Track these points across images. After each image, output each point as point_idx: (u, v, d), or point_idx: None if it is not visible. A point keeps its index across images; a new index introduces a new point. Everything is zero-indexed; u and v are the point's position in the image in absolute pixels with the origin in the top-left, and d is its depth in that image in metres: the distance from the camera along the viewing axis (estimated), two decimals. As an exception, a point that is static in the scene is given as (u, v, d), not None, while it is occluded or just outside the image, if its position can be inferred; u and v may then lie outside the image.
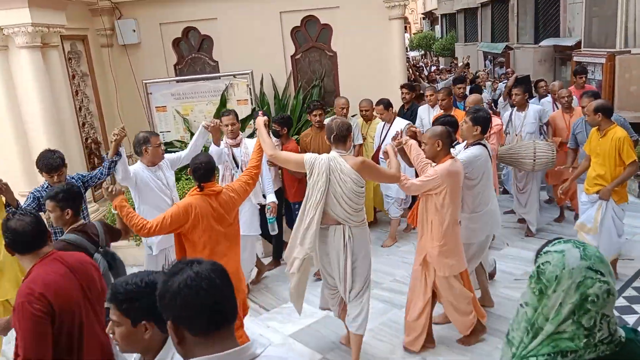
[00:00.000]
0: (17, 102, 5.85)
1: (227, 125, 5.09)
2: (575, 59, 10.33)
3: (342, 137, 3.68)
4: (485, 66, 16.75)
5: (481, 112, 4.25)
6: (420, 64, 21.22)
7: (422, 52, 27.78)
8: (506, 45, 15.00)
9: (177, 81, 7.42)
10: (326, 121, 4.59)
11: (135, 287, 1.83)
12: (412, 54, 26.45)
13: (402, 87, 7.11)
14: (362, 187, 3.67)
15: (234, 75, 7.18)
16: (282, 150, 5.26)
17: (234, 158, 5.14)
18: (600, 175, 4.79)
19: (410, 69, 10.75)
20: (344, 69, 7.86)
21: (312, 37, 7.92)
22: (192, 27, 7.94)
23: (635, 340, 1.56)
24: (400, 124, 5.99)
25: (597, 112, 4.71)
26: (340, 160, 3.61)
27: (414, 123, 6.20)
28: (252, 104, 7.17)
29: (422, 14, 35.21)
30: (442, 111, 6.03)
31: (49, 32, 5.92)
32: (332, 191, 3.61)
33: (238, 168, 5.11)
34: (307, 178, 3.69)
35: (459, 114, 5.55)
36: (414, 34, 33.27)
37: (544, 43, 12.49)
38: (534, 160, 5.70)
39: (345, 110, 6.23)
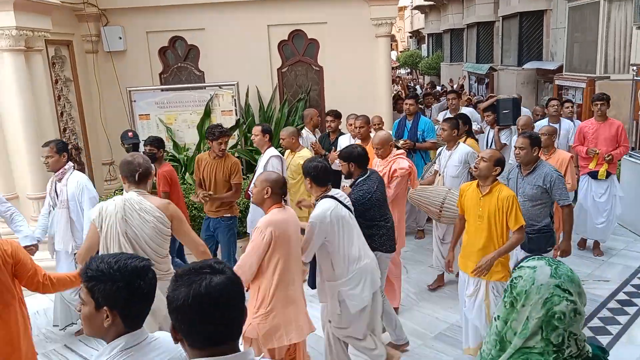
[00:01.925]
0: (-3, 105, 5.77)
1: (42, 157, 4.58)
2: (556, 82, 10.54)
3: (145, 175, 3.33)
4: (470, 87, 16.99)
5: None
6: (411, 83, 21.35)
7: (408, 70, 28.11)
8: (490, 66, 15.24)
9: (162, 90, 7.41)
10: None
11: (106, 268, 1.71)
12: (402, 72, 26.74)
13: (327, 114, 6.56)
14: (169, 228, 3.29)
15: (220, 86, 7.18)
16: (156, 173, 4.95)
17: (56, 193, 4.52)
18: (487, 246, 3.76)
19: (402, 90, 10.80)
20: (329, 84, 7.91)
21: (298, 51, 7.97)
22: (179, 37, 7.94)
23: (601, 357, 1.60)
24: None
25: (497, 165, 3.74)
26: (138, 199, 3.25)
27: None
28: (236, 115, 7.17)
29: (409, 32, 35.66)
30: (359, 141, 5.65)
31: (33, 36, 5.87)
32: (133, 237, 3.21)
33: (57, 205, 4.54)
34: (101, 235, 3.22)
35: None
36: (400, 52, 33.67)
37: (527, 66, 12.71)
38: (440, 211, 4.85)
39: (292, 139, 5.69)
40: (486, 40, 16.80)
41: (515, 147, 4.29)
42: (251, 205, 4.86)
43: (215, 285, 1.43)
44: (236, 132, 6.91)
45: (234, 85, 7.11)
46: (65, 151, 4.55)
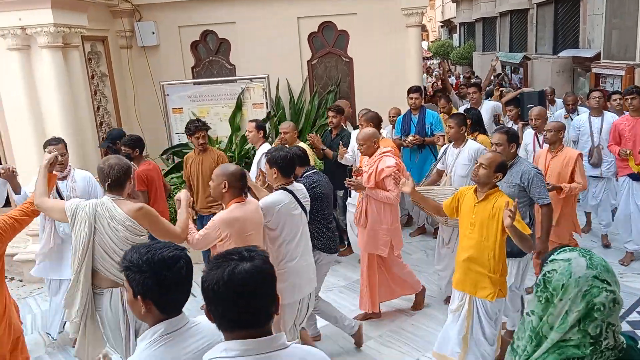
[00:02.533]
0: (37, 100, 5.94)
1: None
2: (594, 70, 10.24)
3: (117, 182, 3.20)
4: (505, 76, 16.64)
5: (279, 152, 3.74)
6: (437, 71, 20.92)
7: (439, 60, 27.70)
8: (524, 55, 14.90)
9: (194, 83, 7.51)
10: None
11: (136, 259, 1.77)
12: (434, 62, 26.24)
13: (328, 109, 6.28)
14: (141, 236, 3.21)
15: (251, 79, 7.24)
16: (135, 172, 4.81)
17: (58, 192, 4.39)
18: (474, 258, 3.43)
19: (438, 82, 10.41)
20: (359, 75, 7.88)
21: (328, 43, 7.96)
22: (211, 31, 8.02)
23: (635, 348, 1.58)
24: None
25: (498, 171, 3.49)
26: (111, 205, 3.16)
27: (345, 147, 5.70)
28: (267, 107, 7.22)
29: (440, 22, 35.14)
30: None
31: (70, 33, 6.02)
32: (100, 242, 3.15)
33: None
34: (70, 228, 3.23)
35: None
36: (431, 42, 33.21)
37: (562, 54, 12.39)
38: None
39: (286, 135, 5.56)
40: (520, 29, 16.43)
41: (491, 143, 4.11)
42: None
43: (239, 272, 1.48)
44: (267, 125, 6.95)
45: (264, 78, 7.15)
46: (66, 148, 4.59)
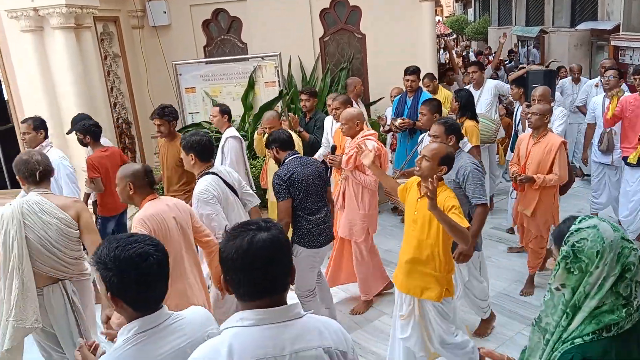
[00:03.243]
0: (51, 82, 6.00)
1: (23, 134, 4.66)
2: (613, 43, 10.01)
3: (45, 175, 3.11)
4: (519, 51, 16.30)
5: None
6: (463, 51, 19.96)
7: (454, 35, 27.24)
8: (541, 29, 14.59)
9: (206, 63, 7.49)
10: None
11: (103, 255, 1.70)
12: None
13: (300, 92, 6.11)
14: (75, 229, 3.15)
15: (262, 57, 7.20)
16: (86, 159, 4.89)
17: None
18: (417, 258, 3.21)
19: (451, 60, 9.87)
20: (372, 52, 7.78)
21: (340, 19, 7.86)
22: (222, 9, 7.97)
23: None
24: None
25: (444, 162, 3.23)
26: (38, 199, 3.06)
27: (319, 137, 5.52)
28: (279, 86, 7.19)
29: (454, -4, 34.46)
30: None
31: (82, 13, 6.03)
32: (34, 239, 3.03)
33: None
34: None
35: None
36: (445, 17, 32.65)
37: (580, 27, 12.11)
38: None
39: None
40: (536, 1, 16.07)
41: (429, 134, 3.79)
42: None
43: (258, 241, 1.52)
44: (279, 104, 6.93)
45: (276, 56, 7.11)
46: (42, 128, 4.60)
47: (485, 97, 6.24)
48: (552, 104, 5.03)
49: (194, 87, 7.34)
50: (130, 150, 7.80)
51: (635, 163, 5.08)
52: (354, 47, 7.92)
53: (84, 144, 5.00)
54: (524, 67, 8.27)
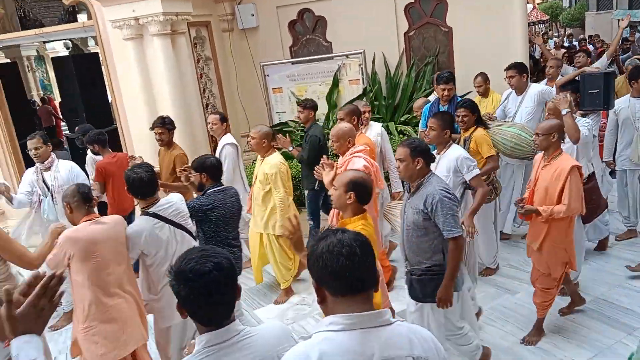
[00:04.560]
0: (150, 85, 6.42)
1: (30, 150, 4.89)
2: None
3: None
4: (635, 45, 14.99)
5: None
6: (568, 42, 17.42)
7: (545, 24, 25.80)
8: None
9: (292, 63, 7.66)
10: None
11: (175, 268, 1.75)
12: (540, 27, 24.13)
13: (297, 103, 5.69)
14: None
15: (347, 55, 7.24)
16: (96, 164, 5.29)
17: (44, 183, 4.92)
18: None
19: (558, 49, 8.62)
20: (459, 45, 7.57)
21: (426, 13, 7.72)
22: (307, 9, 8.09)
23: None
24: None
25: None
26: None
27: (309, 154, 5.10)
28: (363, 83, 7.20)
29: (548, -19, 32.58)
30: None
31: (177, 20, 6.38)
32: None
33: (49, 192, 4.92)
34: None
35: None
36: (538, 4, 31.00)
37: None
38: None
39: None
40: (642, -18, 14.83)
41: (395, 158, 3.41)
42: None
43: (347, 237, 1.61)
44: (364, 99, 6.94)
45: (360, 53, 7.13)
46: (49, 142, 5.05)
47: (526, 105, 5.40)
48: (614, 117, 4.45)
49: (281, 87, 7.54)
50: (221, 148, 8.14)
51: None
52: (440, 41, 7.75)
53: (94, 152, 5.62)
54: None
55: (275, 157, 4.70)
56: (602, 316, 4.15)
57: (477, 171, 3.98)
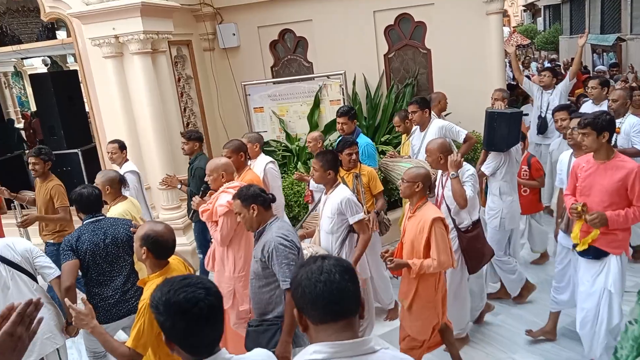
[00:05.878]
0: (130, 103, 6.36)
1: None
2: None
3: None
4: (594, 63, 15.54)
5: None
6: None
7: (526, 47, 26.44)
8: (618, 36, 13.91)
9: (274, 83, 7.68)
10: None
11: (156, 298, 1.71)
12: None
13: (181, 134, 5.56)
14: None
15: (328, 76, 7.30)
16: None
17: None
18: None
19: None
20: (438, 67, 7.71)
21: (405, 35, 7.85)
22: (288, 29, 8.17)
23: None
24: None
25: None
26: None
27: (197, 188, 4.90)
28: (344, 103, 7.25)
29: (523, 6, 33.50)
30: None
31: (158, 39, 6.37)
32: None
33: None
34: None
35: None
36: (513, 27, 31.79)
37: (662, 33, 11.43)
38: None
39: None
40: (612, 7, 15.36)
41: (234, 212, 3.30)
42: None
43: (327, 264, 1.58)
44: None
45: (341, 74, 7.19)
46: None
47: (429, 140, 4.65)
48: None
49: (262, 107, 7.55)
50: (201, 167, 8.09)
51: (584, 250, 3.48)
52: (419, 62, 7.88)
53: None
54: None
55: (123, 205, 4.22)
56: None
57: (361, 215, 3.76)
